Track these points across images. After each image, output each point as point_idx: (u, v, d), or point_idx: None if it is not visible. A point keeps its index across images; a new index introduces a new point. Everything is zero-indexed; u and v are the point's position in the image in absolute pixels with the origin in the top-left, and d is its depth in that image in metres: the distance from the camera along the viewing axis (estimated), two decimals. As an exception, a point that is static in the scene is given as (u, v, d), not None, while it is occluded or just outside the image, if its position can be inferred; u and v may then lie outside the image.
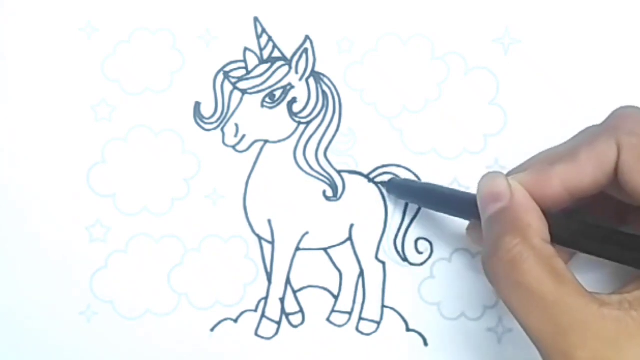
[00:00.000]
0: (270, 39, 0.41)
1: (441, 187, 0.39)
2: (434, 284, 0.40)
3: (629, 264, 0.30)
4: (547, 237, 0.30)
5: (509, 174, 0.34)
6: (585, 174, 0.31)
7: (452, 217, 0.40)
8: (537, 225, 0.30)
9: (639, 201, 0.31)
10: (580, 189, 0.32)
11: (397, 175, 0.40)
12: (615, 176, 0.31)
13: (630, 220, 0.35)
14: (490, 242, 0.31)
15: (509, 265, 0.29)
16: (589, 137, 0.32)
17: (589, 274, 0.38)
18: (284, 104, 0.40)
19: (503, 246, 0.30)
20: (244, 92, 0.40)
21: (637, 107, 0.33)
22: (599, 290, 0.30)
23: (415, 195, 0.39)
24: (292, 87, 0.41)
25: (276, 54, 0.41)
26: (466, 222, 0.38)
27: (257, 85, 0.40)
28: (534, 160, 0.35)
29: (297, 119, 0.41)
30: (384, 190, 0.40)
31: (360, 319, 0.40)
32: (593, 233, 0.31)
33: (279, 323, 0.40)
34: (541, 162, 0.33)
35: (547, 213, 0.31)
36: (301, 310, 0.40)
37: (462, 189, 0.40)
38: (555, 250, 0.30)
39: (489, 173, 0.33)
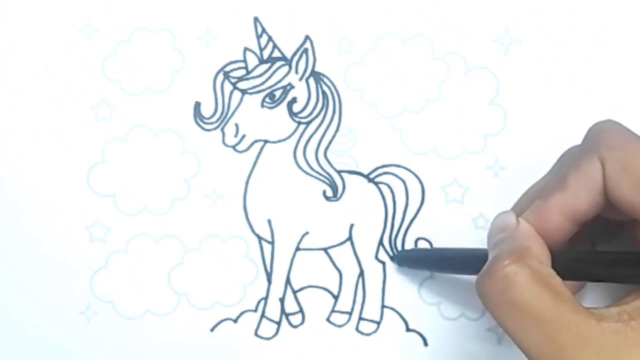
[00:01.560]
0: (270, 39, 0.41)
1: (450, 250, 0.38)
2: (434, 284, 0.40)
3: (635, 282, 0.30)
4: (548, 262, 0.30)
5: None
6: (579, 199, 0.31)
7: (451, 218, 0.40)
8: (536, 250, 0.30)
9: (632, 214, 0.30)
10: (579, 214, 0.32)
11: (397, 176, 0.40)
12: (605, 194, 0.31)
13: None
14: (488, 264, 0.30)
15: (501, 282, 0.29)
16: (572, 160, 0.32)
17: (586, 290, 0.38)
18: (284, 104, 0.40)
19: (497, 264, 0.29)
20: (244, 92, 0.40)
21: (612, 120, 0.33)
22: (597, 305, 0.29)
23: (425, 263, 0.39)
24: (292, 87, 0.41)
25: (276, 54, 0.41)
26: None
27: (257, 85, 0.40)
28: (525, 199, 0.35)
29: (297, 119, 0.41)
30: (390, 259, 0.40)
31: (360, 319, 0.40)
32: (595, 259, 0.31)
33: (278, 323, 0.40)
34: (535, 198, 0.33)
35: (551, 250, 0.31)
36: (301, 310, 0.40)
37: (462, 189, 0.40)
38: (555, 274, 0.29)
39: (500, 212, 0.33)
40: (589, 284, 0.38)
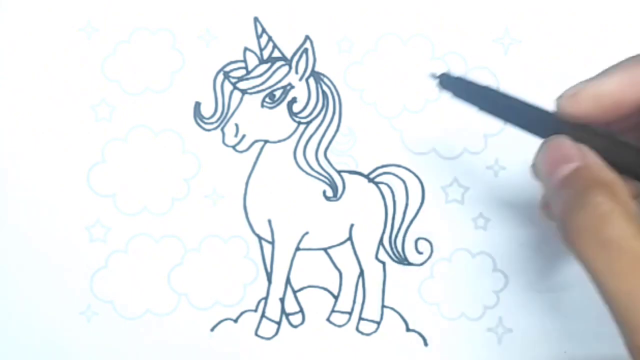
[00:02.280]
0: (270, 39, 0.41)
1: (507, 94, 0.34)
2: (434, 284, 0.40)
3: None
4: (630, 196, 0.28)
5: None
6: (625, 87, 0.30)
7: (451, 218, 0.40)
8: (620, 183, 0.28)
9: None
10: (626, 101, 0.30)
11: (397, 176, 0.40)
12: None
13: None
14: (571, 198, 0.28)
15: (598, 220, 0.27)
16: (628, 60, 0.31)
17: None
18: (284, 104, 0.40)
19: (590, 200, 0.27)
20: (244, 92, 0.40)
21: None
22: None
23: (477, 97, 0.34)
24: (292, 87, 0.41)
25: (276, 54, 0.41)
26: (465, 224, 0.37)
27: (257, 85, 0.40)
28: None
29: (297, 119, 0.41)
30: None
31: (360, 319, 0.40)
32: None
33: (279, 323, 0.40)
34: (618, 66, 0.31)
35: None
36: (301, 310, 0.40)
37: (462, 189, 0.41)
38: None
39: (554, 137, 0.30)
40: None
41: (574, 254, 0.27)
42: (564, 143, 0.30)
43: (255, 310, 0.40)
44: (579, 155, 0.29)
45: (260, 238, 0.40)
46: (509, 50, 0.41)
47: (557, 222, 0.28)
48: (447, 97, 0.34)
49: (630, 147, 0.30)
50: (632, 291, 0.26)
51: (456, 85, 0.34)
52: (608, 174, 0.28)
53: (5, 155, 0.40)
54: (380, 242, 0.40)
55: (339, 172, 0.41)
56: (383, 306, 0.40)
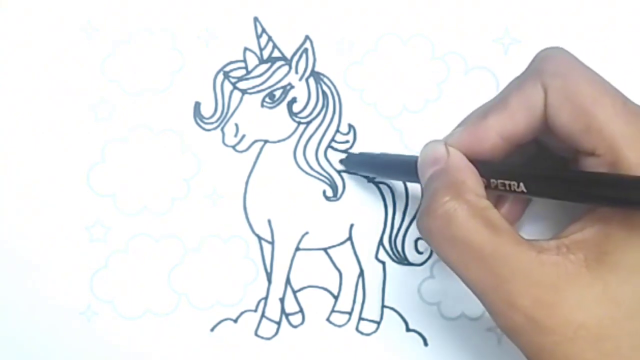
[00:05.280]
0: (270, 39, 0.41)
1: (388, 155, 0.39)
2: (434, 284, 0.40)
3: (573, 199, 0.29)
4: (482, 193, 0.30)
5: (448, 135, 0.34)
6: (517, 120, 0.31)
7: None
8: (471, 182, 0.30)
9: (571, 143, 0.30)
10: (515, 136, 0.32)
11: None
12: (545, 120, 0.31)
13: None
14: (426, 200, 0.31)
15: (442, 219, 0.29)
16: (517, 83, 0.32)
17: (525, 223, 0.39)
18: (284, 104, 0.41)
19: (436, 201, 0.29)
20: (244, 92, 0.40)
21: (560, 48, 0.33)
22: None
23: (367, 166, 0.40)
24: (292, 87, 0.41)
25: (276, 53, 0.41)
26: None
27: (257, 85, 0.40)
28: (468, 117, 0.35)
29: (297, 119, 0.41)
30: (340, 167, 0.40)
31: (360, 319, 0.40)
32: (538, 174, 0.31)
33: (278, 323, 0.40)
34: (475, 116, 0.34)
35: (484, 163, 0.32)
36: (301, 310, 0.40)
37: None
38: (492, 204, 0.30)
39: (430, 141, 0.33)
40: (527, 217, 0.38)
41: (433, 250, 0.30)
42: (437, 146, 0.32)
43: (255, 310, 0.40)
44: (442, 158, 0.32)
45: (260, 238, 0.40)
46: (509, 50, 0.41)
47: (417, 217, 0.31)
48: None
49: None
50: (481, 280, 0.28)
51: (354, 162, 0.39)
52: (463, 173, 0.31)
53: (5, 155, 0.40)
54: (380, 242, 0.40)
55: (339, 172, 0.41)
56: (383, 306, 0.40)
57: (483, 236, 0.28)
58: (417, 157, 0.34)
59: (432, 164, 0.32)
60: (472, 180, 0.31)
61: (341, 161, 0.40)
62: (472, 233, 0.29)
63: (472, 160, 0.32)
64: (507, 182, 0.30)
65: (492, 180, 0.31)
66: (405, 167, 0.35)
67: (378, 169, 0.39)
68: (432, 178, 0.32)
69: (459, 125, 0.35)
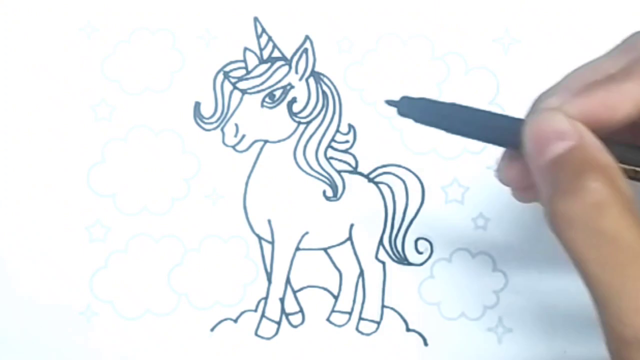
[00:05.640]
0: (270, 39, 0.41)
1: (472, 108, 0.31)
2: (434, 284, 0.40)
3: None
4: (625, 180, 0.26)
5: (544, 95, 0.29)
6: None
7: (451, 218, 0.40)
8: (616, 166, 0.26)
9: None
10: None
11: (397, 176, 0.40)
12: None
13: None
14: (563, 182, 0.25)
15: (592, 208, 0.24)
16: None
17: None
18: (284, 104, 0.40)
19: (585, 186, 0.25)
20: (243, 92, 0.40)
21: None
22: None
23: (438, 117, 0.31)
24: (292, 87, 0.41)
25: (276, 54, 0.41)
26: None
27: (257, 85, 0.40)
28: (577, 80, 0.29)
29: (297, 119, 0.41)
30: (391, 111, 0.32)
31: (360, 319, 0.40)
32: None
33: (279, 323, 0.40)
34: (598, 80, 0.28)
35: (610, 142, 0.26)
36: (301, 310, 0.40)
37: (462, 189, 0.40)
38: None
39: (538, 111, 0.27)
40: None
41: (560, 241, 0.25)
42: (557, 117, 0.27)
43: (255, 310, 0.40)
44: (573, 133, 0.26)
45: (260, 238, 0.40)
46: (509, 50, 0.41)
47: (544, 206, 0.26)
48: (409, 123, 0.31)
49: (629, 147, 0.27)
50: (624, 285, 0.24)
51: (417, 109, 0.31)
52: (606, 156, 0.26)
53: (5, 155, 0.40)
54: (380, 242, 0.40)
55: (339, 172, 0.41)
56: (383, 306, 0.40)
57: (635, 236, 0.24)
58: (517, 120, 0.28)
59: (557, 138, 0.26)
60: (615, 164, 0.26)
61: (389, 102, 0.31)
62: (624, 230, 0.24)
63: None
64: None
65: (621, 166, 0.26)
66: (498, 128, 0.29)
67: (452, 121, 0.31)
68: (565, 157, 0.26)
69: (559, 88, 0.29)
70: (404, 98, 0.30)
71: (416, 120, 0.31)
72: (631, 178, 0.27)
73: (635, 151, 0.27)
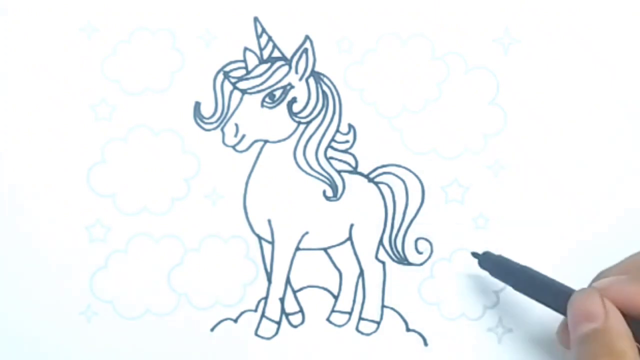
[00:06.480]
0: (270, 38, 0.41)
1: (538, 274, 0.37)
2: (434, 284, 0.40)
3: None
4: None
5: (603, 273, 0.34)
6: None
7: (451, 218, 0.41)
8: (630, 354, 0.30)
9: None
10: None
11: (397, 175, 0.40)
12: None
13: None
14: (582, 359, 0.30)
15: None
16: None
17: None
18: (284, 104, 0.40)
19: None
20: (243, 92, 0.40)
21: None
22: None
23: (509, 276, 0.38)
24: (292, 87, 0.41)
25: (276, 53, 0.41)
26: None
27: (257, 85, 0.40)
28: (632, 265, 0.34)
29: (297, 119, 0.41)
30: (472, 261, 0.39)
31: (360, 319, 0.40)
32: None
33: (279, 323, 0.40)
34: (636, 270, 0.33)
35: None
36: (301, 310, 0.40)
37: (462, 189, 0.40)
38: None
39: (583, 289, 0.32)
40: None
41: None
42: (591, 299, 0.31)
43: (255, 310, 0.40)
44: (599, 316, 0.31)
45: (260, 238, 0.40)
46: (509, 50, 0.41)
47: None
48: (485, 275, 0.38)
49: None
50: None
51: (494, 265, 0.38)
52: (623, 342, 0.30)
53: (5, 155, 0.40)
54: (380, 242, 0.40)
55: (339, 172, 0.41)
56: (383, 306, 0.40)
57: None
58: (569, 290, 0.33)
59: (587, 319, 0.31)
60: (631, 350, 0.30)
61: (475, 255, 0.39)
62: None
63: (626, 319, 0.31)
64: None
65: None
66: (553, 297, 0.34)
67: (520, 282, 0.37)
68: (588, 338, 0.31)
69: (615, 270, 0.34)
70: (487, 253, 0.39)
71: (491, 273, 0.38)
72: None
73: None
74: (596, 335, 0.30)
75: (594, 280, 0.34)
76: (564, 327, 0.34)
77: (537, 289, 0.36)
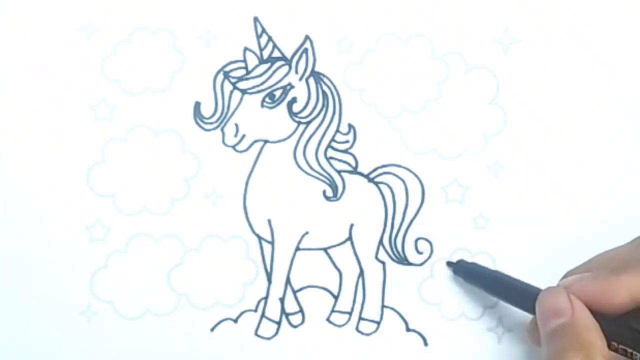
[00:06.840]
0: (270, 38, 0.41)
1: (507, 277, 0.38)
2: (434, 284, 0.40)
3: None
4: (607, 355, 0.30)
5: (569, 273, 0.35)
6: None
7: (451, 218, 0.41)
8: (598, 344, 0.30)
9: None
10: None
11: (397, 176, 0.40)
12: None
13: None
14: (552, 355, 0.31)
15: None
16: None
17: None
18: (284, 104, 0.40)
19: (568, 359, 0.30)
20: (243, 92, 0.40)
21: None
22: None
23: (481, 281, 0.39)
24: (292, 87, 0.41)
25: (276, 53, 0.41)
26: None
27: (257, 85, 0.40)
28: (596, 264, 0.35)
29: (297, 119, 0.41)
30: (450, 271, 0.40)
31: (360, 319, 0.40)
32: None
33: (279, 323, 0.40)
34: (605, 268, 0.33)
35: (606, 319, 0.31)
36: (301, 310, 0.40)
37: (462, 189, 0.40)
38: None
39: (549, 287, 0.33)
40: None
41: None
42: (558, 295, 0.32)
43: (255, 310, 0.40)
44: (566, 311, 0.32)
45: (260, 238, 0.40)
46: (509, 50, 0.41)
47: None
48: (460, 280, 0.39)
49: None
50: None
51: (466, 271, 0.39)
52: (591, 333, 0.31)
53: (5, 155, 0.40)
54: (380, 242, 0.40)
55: (339, 172, 0.41)
56: (383, 306, 0.40)
57: None
58: (537, 290, 0.34)
59: (555, 315, 0.32)
60: (599, 341, 0.30)
61: (449, 264, 0.40)
62: None
63: (594, 315, 0.32)
64: (630, 350, 0.30)
65: (613, 343, 0.31)
66: (522, 297, 0.35)
67: (490, 286, 0.38)
68: (557, 332, 0.31)
69: (583, 268, 0.35)
70: (460, 261, 0.40)
71: (465, 280, 0.39)
72: (624, 355, 0.31)
73: (626, 332, 0.31)
74: (564, 329, 0.31)
75: (561, 280, 0.35)
76: (534, 325, 0.35)
77: (507, 291, 0.37)
